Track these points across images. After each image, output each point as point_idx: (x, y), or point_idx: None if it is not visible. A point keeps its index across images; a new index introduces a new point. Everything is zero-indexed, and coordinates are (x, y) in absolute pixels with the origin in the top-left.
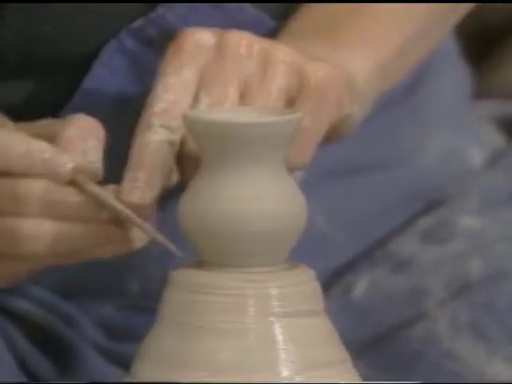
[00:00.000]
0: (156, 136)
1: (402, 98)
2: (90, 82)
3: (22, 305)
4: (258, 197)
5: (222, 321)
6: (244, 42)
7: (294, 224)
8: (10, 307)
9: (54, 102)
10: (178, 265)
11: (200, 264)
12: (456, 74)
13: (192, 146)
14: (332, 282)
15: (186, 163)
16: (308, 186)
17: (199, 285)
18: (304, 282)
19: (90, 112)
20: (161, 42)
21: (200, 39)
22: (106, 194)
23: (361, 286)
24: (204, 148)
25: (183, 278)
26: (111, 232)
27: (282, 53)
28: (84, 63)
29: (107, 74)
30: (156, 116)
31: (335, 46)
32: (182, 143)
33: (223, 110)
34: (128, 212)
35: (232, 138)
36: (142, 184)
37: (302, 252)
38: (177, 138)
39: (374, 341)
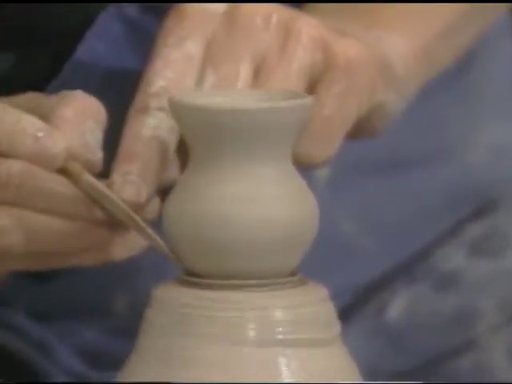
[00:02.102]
0: (153, 121)
1: (448, 83)
2: (82, 53)
3: None
4: (259, 198)
5: (215, 349)
6: (260, 11)
7: (302, 231)
8: None
9: (40, 78)
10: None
11: (188, 279)
12: (510, 54)
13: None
14: (362, 300)
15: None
16: (333, 186)
17: (188, 305)
18: (315, 303)
19: (83, 89)
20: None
21: (208, 5)
22: (104, 188)
23: (397, 305)
24: (192, 138)
25: (168, 297)
26: (101, 236)
27: (307, 24)
28: (76, 33)
29: (103, 45)
30: (153, 97)
31: (370, 24)
32: None
33: (214, 92)
34: (129, 211)
35: (224, 127)
36: (135, 178)
37: (326, 264)
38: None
39: (412, 372)
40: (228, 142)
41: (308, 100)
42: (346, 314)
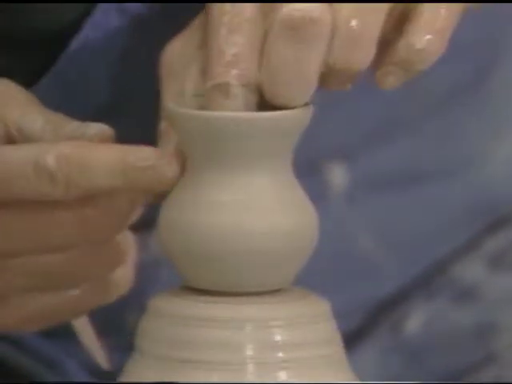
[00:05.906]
0: (233, 102)
1: (465, 94)
2: (78, 45)
3: None
4: (258, 208)
5: (214, 361)
6: None
7: (301, 242)
8: None
9: (33, 71)
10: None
11: (185, 290)
12: None
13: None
14: (379, 315)
15: None
16: (350, 199)
17: (185, 317)
18: (318, 317)
19: (80, 83)
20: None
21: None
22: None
23: (415, 321)
24: (190, 146)
25: (165, 308)
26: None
27: None
28: (70, 29)
29: (101, 36)
30: (230, 66)
31: None
32: None
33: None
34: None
35: (223, 135)
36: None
37: (341, 279)
38: (254, 100)
39: None
40: (226, 150)
41: (307, 108)
42: (362, 330)
